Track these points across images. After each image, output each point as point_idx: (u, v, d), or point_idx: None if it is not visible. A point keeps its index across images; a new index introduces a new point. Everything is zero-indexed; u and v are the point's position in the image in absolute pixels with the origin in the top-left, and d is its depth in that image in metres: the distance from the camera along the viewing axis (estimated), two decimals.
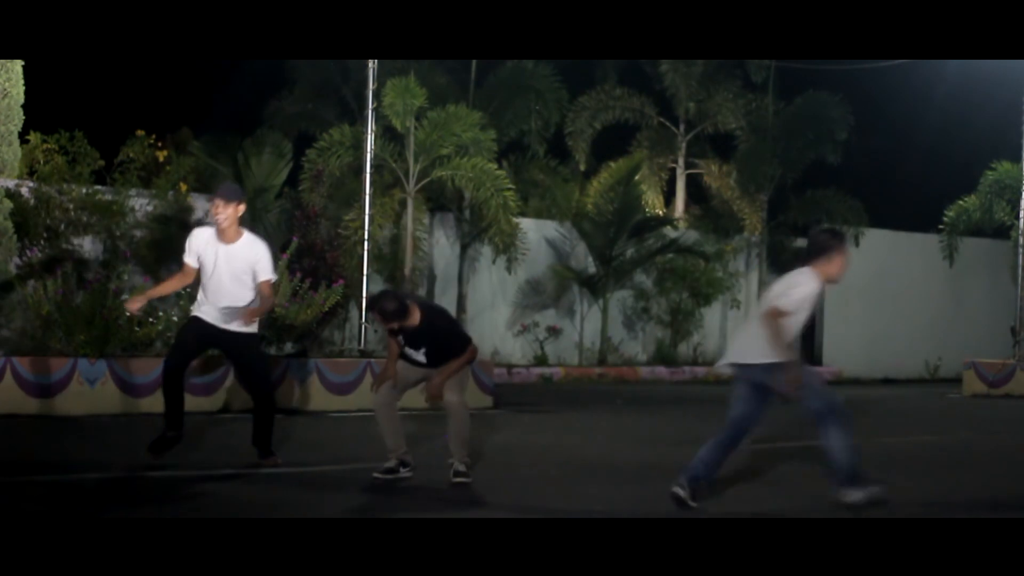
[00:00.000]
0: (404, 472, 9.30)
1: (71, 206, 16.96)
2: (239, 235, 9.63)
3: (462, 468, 9.21)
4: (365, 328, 17.36)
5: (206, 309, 9.60)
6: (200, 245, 9.64)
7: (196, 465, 9.73)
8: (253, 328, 9.65)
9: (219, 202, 9.54)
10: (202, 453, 10.63)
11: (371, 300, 9.83)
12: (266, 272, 9.62)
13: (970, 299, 28.53)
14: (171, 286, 10.15)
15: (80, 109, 21.39)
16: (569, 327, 24.44)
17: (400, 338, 9.09)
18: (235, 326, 9.51)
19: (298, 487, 8.98)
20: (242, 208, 9.66)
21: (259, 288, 9.59)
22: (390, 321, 8.89)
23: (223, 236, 9.58)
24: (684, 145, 27.26)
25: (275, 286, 9.97)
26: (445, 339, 9.05)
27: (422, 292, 22.66)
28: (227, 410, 13.75)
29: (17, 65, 16.06)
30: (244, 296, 9.57)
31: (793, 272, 8.35)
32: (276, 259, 15.28)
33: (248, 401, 13.90)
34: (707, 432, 8.61)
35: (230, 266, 9.52)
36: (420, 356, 9.11)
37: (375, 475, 9.26)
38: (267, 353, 10.32)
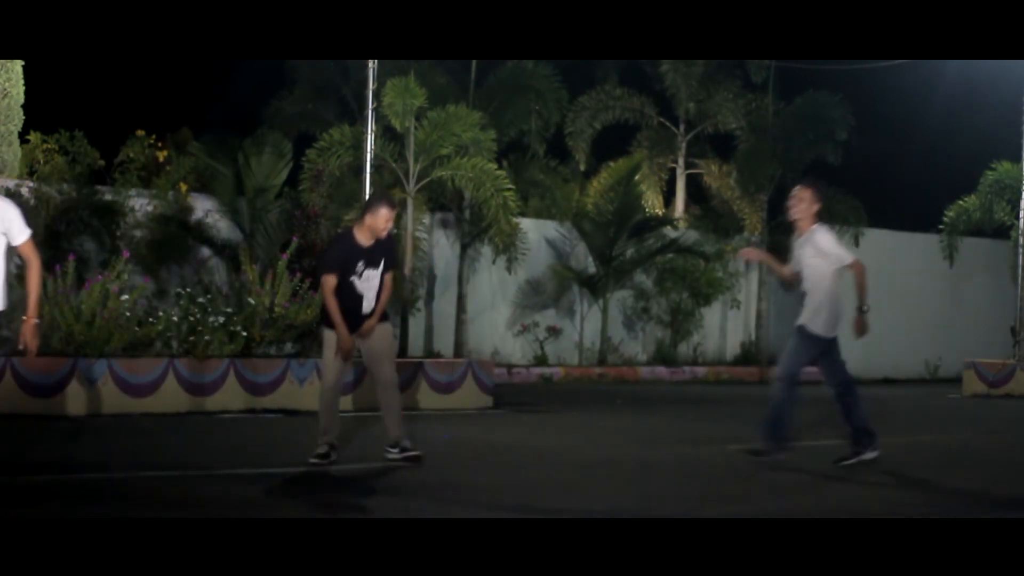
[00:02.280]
0: (334, 456, 9.88)
1: (71, 206, 16.97)
2: None
3: (408, 444, 9.98)
4: None
5: None
6: None
7: (195, 465, 9.72)
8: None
9: None
10: (201, 453, 10.63)
11: (381, 197, 10.26)
12: (23, 231, 7.87)
13: (970, 299, 28.52)
14: None
15: (80, 109, 21.40)
16: (569, 327, 24.43)
17: (360, 263, 9.74)
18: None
19: (297, 487, 8.98)
20: None
21: (22, 251, 7.90)
22: (395, 208, 9.90)
23: None
24: (684, 145, 27.25)
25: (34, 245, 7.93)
26: (390, 255, 9.93)
27: (422, 292, 22.67)
28: (227, 411, 13.77)
29: (17, 65, 16.08)
30: None
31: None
32: (275, 259, 15.48)
33: (249, 401, 14.08)
34: (708, 432, 8.60)
35: None
36: (375, 278, 9.80)
37: (311, 460, 9.73)
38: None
